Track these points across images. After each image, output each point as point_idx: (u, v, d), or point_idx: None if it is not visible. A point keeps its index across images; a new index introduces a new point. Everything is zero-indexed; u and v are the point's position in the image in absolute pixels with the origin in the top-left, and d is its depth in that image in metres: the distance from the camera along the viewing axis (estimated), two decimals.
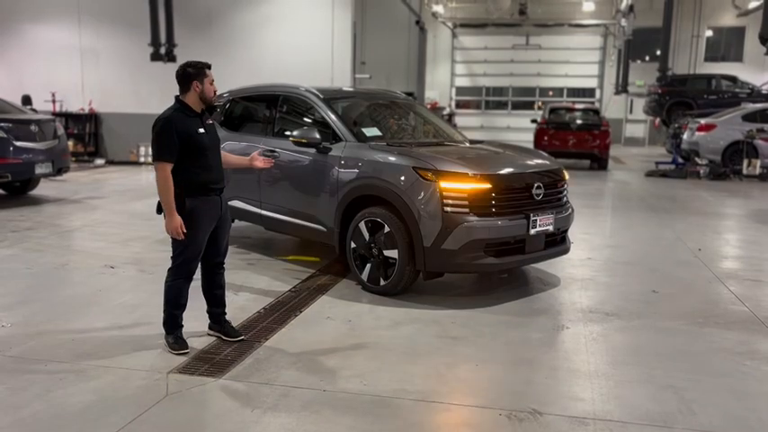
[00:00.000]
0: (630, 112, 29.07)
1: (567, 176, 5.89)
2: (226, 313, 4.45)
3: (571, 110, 17.67)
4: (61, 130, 9.87)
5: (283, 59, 14.22)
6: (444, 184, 5.06)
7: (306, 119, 6.35)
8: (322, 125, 6.02)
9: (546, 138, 16.81)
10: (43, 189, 10.61)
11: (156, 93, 14.37)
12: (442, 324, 4.78)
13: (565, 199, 5.84)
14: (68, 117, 15.50)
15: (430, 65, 28.21)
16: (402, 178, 5.21)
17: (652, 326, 4.86)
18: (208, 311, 4.43)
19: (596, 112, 17.78)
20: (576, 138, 16.68)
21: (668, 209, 10.41)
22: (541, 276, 6.15)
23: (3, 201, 9.72)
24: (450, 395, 3.61)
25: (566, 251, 5.87)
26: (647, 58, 28.76)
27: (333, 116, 5.99)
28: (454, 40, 30.39)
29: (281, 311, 4.99)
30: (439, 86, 29.71)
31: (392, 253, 5.29)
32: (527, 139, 18.75)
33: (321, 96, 6.21)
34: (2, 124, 8.80)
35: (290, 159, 6.17)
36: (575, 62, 29.44)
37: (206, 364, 3.96)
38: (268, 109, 6.71)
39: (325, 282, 5.83)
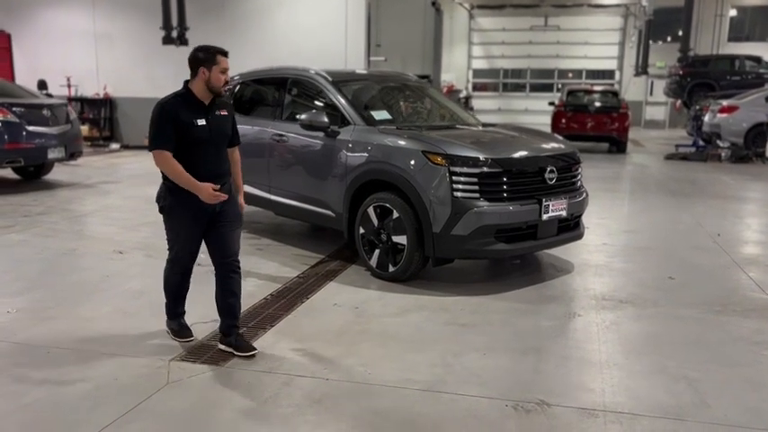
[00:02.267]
0: (651, 94, 28.65)
1: (580, 159, 5.75)
2: (239, 327, 3.96)
3: (589, 92, 17.40)
4: (74, 115, 9.86)
5: (296, 42, 14.09)
6: (454, 169, 4.95)
7: (315, 102, 6.25)
8: (331, 108, 5.92)
9: (563, 120, 16.57)
10: (57, 174, 10.64)
11: (170, 77, 14.21)
12: (450, 311, 4.69)
13: (579, 183, 5.70)
14: (83, 102, 15.54)
15: (446, 47, 27.92)
16: (411, 162, 5.11)
17: (667, 314, 4.73)
18: (220, 326, 3.95)
19: (615, 94, 17.48)
20: (595, 120, 16.40)
21: (687, 193, 10.21)
22: (554, 262, 6.03)
23: (17, 185, 9.76)
24: (456, 385, 3.52)
25: (579, 236, 5.75)
26: (669, 38, 28.24)
27: (342, 99, 5.89)
28: (471, 22, 30.04)
29: (288, 298, 4.93)
30: (456, 69, 29.41)
31: (401, 239, 5.20)
32: (545, 121, 18.49)
33: (330, 79, 6.11)
34: (15, 109, 8.79)
35: (298, 144, 6.08)
36: (594, 43, 28.98)
37: (209, 351, 3.90)
38: (278, 92, 6.63)
39: (334, 268, 5.76)
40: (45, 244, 6.43)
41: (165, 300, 4.13)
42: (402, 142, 5.26)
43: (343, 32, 14.10)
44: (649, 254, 6.47)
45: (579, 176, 5.69)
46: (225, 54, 3.77)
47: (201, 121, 3.72)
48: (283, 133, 6.20)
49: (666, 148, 17.19)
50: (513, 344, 4.12)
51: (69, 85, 15.50)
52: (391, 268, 5.30)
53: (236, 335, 3.91)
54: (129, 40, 15.35)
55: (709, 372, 3.74)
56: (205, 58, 3.69)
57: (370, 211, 5.39)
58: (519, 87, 30.70)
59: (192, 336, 4.08)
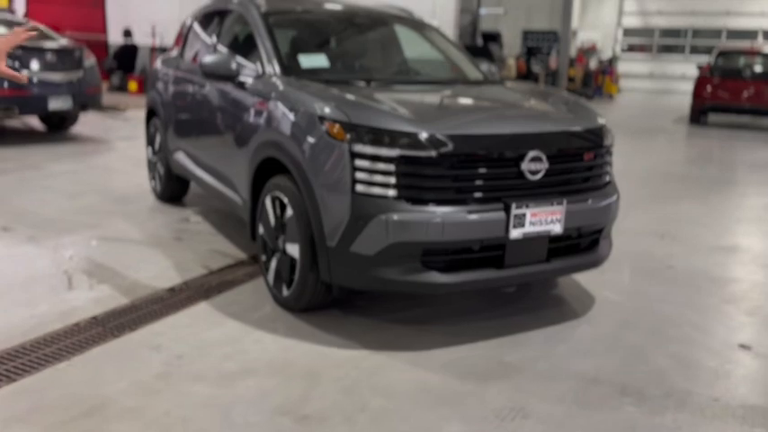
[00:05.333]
0: None
1: (609, 142, 3.58)
2: None
3: (747, 53, 14.00)
4: (90, 62, 8.78)
5: None
6: (358, 148, 3.05)
7: (245, 42, 4.51)
8: (256, 50, 4.17)
9: (709, 88, 13.45)
10: (84, 126, 9.75)
11: None
12: (318, 382, 2.85)
13: (600, 180, 3.54)
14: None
15: (594, 1, 24.72)
16: (302, 133, 3.27)
17: (672, 426, 2.59)
18: None
19: None
20: (750, 89, 13.12)
21: None
22: (571, 295, 3.93)
23: (33, 137, 8.97)
24: None
25: (595, 264, 3.58)
26: None
27: (265, 38, 4.11)
28: None
29: (109, 326, 3.32)
30: (603, 26, 25.94)
31: (294, 249, 3.41)
32: None
33: (262, 10, 4.33)
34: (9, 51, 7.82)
35: (211, 98, 4.44)
36: None
37: None
38: (216, 29, 4.96)
39: (238, 277, 4.07)
40: None
41: None
42: (299, 101, 3.42)
43: None
44: (730, 289, 4.15)
45: (601, 169, 3.52)
46: None
47: None
48: (204, 84, 4.56)
49: None
50: None
51: (154, 34, 14.82)
52: (285, 291, 3.53)
53: None
54: None
55: None
56: None
57: (268, 202, 3.64)
58: (678, 49, 26.58)
59: None
